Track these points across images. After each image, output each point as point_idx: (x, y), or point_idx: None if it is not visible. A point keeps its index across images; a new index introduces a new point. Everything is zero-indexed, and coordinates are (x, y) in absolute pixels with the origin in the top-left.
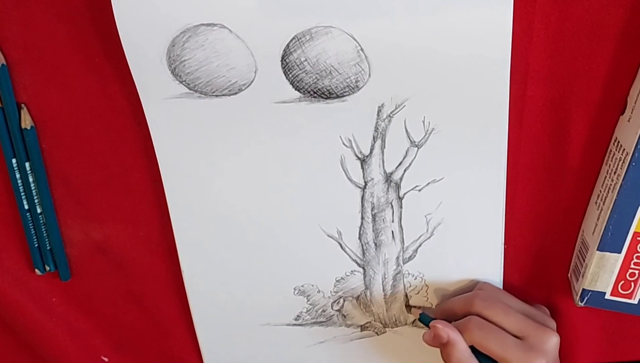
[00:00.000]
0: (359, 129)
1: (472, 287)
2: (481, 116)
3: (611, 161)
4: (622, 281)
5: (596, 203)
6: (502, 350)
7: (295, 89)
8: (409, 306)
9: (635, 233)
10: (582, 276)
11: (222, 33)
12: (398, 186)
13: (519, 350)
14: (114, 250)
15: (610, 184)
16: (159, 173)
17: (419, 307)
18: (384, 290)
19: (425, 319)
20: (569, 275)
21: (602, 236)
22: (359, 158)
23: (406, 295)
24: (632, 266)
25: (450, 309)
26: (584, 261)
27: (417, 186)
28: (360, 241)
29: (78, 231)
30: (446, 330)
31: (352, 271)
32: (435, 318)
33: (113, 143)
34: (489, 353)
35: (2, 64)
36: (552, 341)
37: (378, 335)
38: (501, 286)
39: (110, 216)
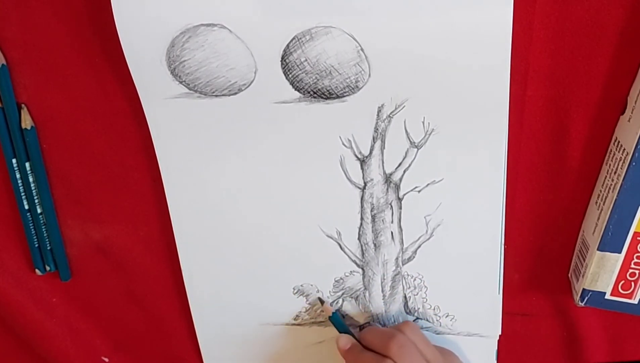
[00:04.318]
0: (358, 129)
1: None
2: (481, 116)
3: (611, 161)
4: (623, 281)
5: (596, 203)
6: None
7: (295, 90)
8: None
9: (635, 233)
10: (582, 276)
11: (221, 33)
12: (397, 187)
13: None
14: (114, 250)
15: (611, 184)
16: (159, 173)
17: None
18: (383, 291)
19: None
20: (569, 275)
21: (602, 236)
22: (358, 159)
23: (405, 296)
24: (632, 266)
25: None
26: (584, 261)
27: (416, 187)
28: (360, 241)
29: (78, 231)
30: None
31: (351, 271)
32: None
33: (113, 143)
34: None
35: (2, 64)
36: None
37: None
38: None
39: (110, 216)
